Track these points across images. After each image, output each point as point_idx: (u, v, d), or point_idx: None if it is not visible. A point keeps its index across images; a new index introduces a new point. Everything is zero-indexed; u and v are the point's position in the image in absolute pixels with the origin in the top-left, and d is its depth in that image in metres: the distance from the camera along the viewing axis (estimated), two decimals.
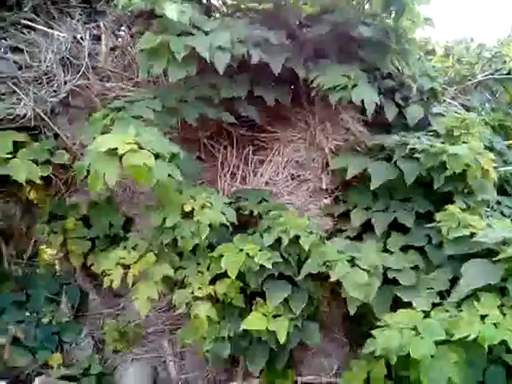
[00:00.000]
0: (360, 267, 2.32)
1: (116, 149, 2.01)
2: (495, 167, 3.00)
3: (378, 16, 3.08)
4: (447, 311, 2.14)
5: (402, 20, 2.95)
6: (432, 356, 1.97)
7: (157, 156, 2.12)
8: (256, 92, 2.97)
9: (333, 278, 2.27)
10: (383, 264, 2.43)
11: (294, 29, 3.17)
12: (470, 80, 4.65)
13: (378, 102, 2.86)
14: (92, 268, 2.82)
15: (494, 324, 1.97)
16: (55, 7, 3.16)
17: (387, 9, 2.91)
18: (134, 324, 2.88)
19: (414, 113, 3.38)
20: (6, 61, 2.87)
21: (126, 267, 2.37)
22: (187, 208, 2.34)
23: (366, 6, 3.09)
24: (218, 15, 3.37)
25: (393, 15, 2.96)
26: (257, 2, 3.32)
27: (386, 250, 2.65)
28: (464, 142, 2.93)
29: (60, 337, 2.90)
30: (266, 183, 3.19)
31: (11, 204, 2.94)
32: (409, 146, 2.77)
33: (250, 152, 3.27)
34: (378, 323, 2.22)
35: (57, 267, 3.03)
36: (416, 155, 2.72)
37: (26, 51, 2.92)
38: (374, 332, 2.16)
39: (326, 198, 3.16)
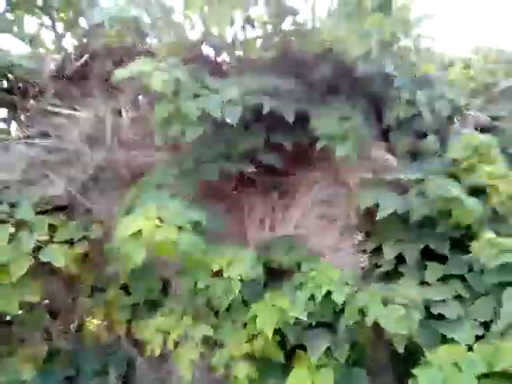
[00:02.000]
0: (396, 303, 2.25)
1: (140, 231, 2.12)
2: None
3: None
4: (491, 343, 2.02)
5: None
6: None
7: (180, 227, 2.20)
8: (272, 139, 3.02)
9: (369, 321, 2.21)
10: (423, 296, 2.34)
11: (302, 71, 3.25)
12: (493, 89, 4.50)
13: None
14: (136, 335, 2.88)
15: None
16: (77, 89, 3.38)
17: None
18: None
19: (433, 142, 3.31)
20: (35, 146, 3.08)
21: (166, 333, 2.40)
22: (215, 267, 2.37)
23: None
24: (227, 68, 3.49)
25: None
26: (264, 51, 3.46)
27: (424, 283, 2.56)
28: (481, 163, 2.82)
29: None
30: (296, 227, 3.18)
31: (55, 282, 3.08)
32: (421, 184, 2.75)
33: (276, 197, 3.29)
34: (420, 361, 2.13)
35: (103, 337, 3.10)
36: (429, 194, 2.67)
37: (54, 135, 3.14)
38: (415, 371, 2.08)
39: (356, 234, 3.11)
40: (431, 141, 3.20)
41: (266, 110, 2.73)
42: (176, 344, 2.46)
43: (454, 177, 2.86)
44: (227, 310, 2.48)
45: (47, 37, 3.67)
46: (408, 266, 2.69)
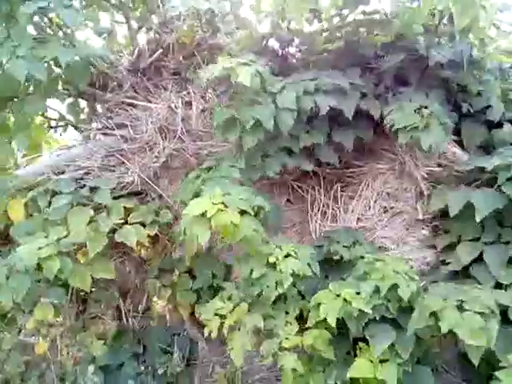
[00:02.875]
0: (472, 311, 2.10)
1: (206, 211, 2.20)
2: None
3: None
4: None
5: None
6: None
7: (243, 212, 2.26)
8: (334, 137, 2.97)
9: (444, 330, 2.07)
10: (499, 302, 2.21)
11: (370, 61, 3.19)
12: None
13: (446, 146, 2.75)
14: (199, 318, 3.00)
15: None
16: (151, 83, 3.57)
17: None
18: (240, 371, 2.96)
19: (508, 133, 3.12)
20: (114, 136, 3.30)
21: (223, 317, 2.48)
22: (272, 259, 2.40)
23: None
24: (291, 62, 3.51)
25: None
26: (330, 42, 3.44)
27: (498, 284, 2.43)
28: None
29: None
30: (358, 219, 3.15)
31: (125, 263, 3.29)
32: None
33: (339, 189, 3.27)
34: (501, 364, 2.03)
35: (168, 318, 3.27)
36: None
37: (130, 125, 3.34)
38: (498, 374, 1.98)
39: (423, 228, 3.02)
40: (507, 130, 3.01)
41: (323, 112, 2.71)
42: (232, 329, 2.51)
43: None
44: (284, 301, 2.52)
45: (121, 32, 3.88)
46: (481, 265, 2.54)
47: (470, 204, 2.60)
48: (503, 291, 2.35)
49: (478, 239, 2.66)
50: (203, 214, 2.22)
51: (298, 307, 2.52)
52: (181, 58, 3.53)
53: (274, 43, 3.40)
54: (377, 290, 2.33)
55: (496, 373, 2.00)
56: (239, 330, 2.51)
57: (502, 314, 2.20)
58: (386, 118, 2.80)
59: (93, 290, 3.13)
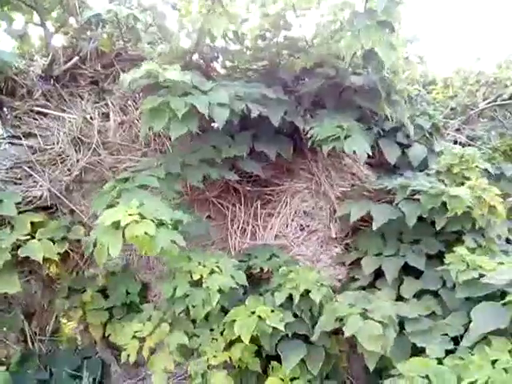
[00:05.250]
0: (374, 319, 2.28)
1: (119, 221, 2.12)
2: (504, 198, 3.01)
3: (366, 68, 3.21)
4: (461, 357, 2.09)
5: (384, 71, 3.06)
6: None
7: (160, 224, 2.21)
8: (257, 148, 3.08)
9: (347, 334, 2.24)
10: (398, 314, 2.40)
11: (290, 84, 3.33)
12: (472, 109, 4.68)
13: (369, 152, 2.88)
14: (111, 339, 2.87)
15: (505, 369, 1.91)
16: (65, 91, 3.39)
17: (368, 64, 3.02)
18: None
19: (417, 152, 3.46)
20: (21, 146, 3.08)
21: (142, 340, 2.41)
22: (196, 276, 2.39)
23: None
24: (216, 76, 3.54)
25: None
26: (253, 61, 3.53)
27: (400, 297, 2.64)
28: (465, 178, 2.95)
29: None
30: (276, 236, 3.24)
31: (31, 282, 3.06)
32: (410, 188, 2.80)
33: (259, 206, 3.34)
34: (391, 372, 2.17)
35: (78, 341, 3.09)
36: (417, 196, 2.76)
37: (40, 135, 3.14)
38: (385, 382, 2.12)
39: (336, 246, 3.18)
40: (416, 150, 3.27)
41: (254, 114, 2.77)
42: (152, 351, 2.45)
43: None
44: (206, 318, 2.49)
45: (35, 34, 3.64)
46: (385, 280, 2.75)
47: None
48: (403, 303, 2.55)
49: (380, 254, 2.88)
50: (116, 224, 2.14)
51: (223, 323, 2.50)
52: (99, 67, 3.38)
53: (197, 58, 3.41)
54: (289, 298, 2.42)
55: (384, 382, 2.14)
56: (160, 351, 2.44)
57: (400, 324, 2.39)
58: (308, 133, 2.93)
59: None
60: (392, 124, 3.41)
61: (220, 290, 2.37)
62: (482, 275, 2.32)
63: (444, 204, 2.66)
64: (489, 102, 4.75)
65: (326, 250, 3.17)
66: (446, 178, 3.10)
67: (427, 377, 2.01)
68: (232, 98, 2.71)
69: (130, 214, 2.16)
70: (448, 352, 2.21)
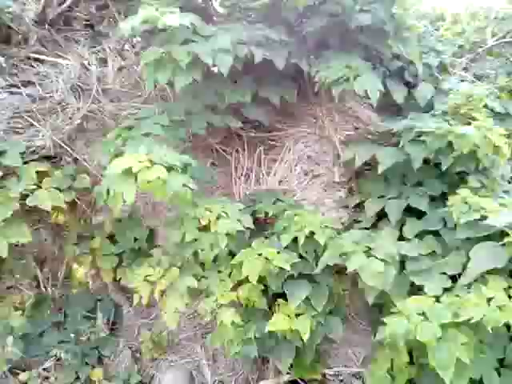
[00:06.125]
0: (376, 257, 2.35)
1: (130, 168, 2.13)
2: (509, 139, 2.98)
3: (374, 3, 3.06)
4: (457, 295, 2.17)
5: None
6: (441, 339, 2.02)
7: (170, 169, 2.22)
8: (261, 93, 3.01)
9: (350, 269, 2.32)
10: (399, 252, 2.47)
11: (293, 23, 3.20)
12: (480, 47, 4.52)
13: (383, 90, 2.84)
14: (122, 282, 2.98)
15: (499, 307, 2.00)
16: (61, 36, 3.28)
17: None
18: (167, 332, 3.03)
19: (424, 92, 3.34)
20: (20, 95, 3.03)
21: (153, 283, 2.49)
22: (204, 221, 2.43)
23: None
24: (216, 19, 3.41)
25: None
26: (253, 1, 3.38)
27: (403, 238, 2.69)
28: (472, 118, 2.90)
29: (99, 351, 3.09)
30: (280, 182, 3.25)
31: (42, 230, 3.13)
32: (415, 130, 2.77)
33: (262, 152, 3.32)
34: (391, 310, 2.27)
35: (90, 285, 3.21)
36: (423, 138, 2.73)
37: (38, 83, 3.07)
38: (386, 319, 2.21)
39: (339, 190, 3.20)
40: (423, 90, 3.21)
41: (258, 59, 2.69)
42: (162, 293, 2.54)
43: None
44: (214, 261, 2.57)
45: None
46: (388, 222, 2.78)
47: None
48: (405, 243, 2.60)
49: (383, 197, 2.90)
50: (128, 172, 2.14)
51: (231, 265, 2.57)
52: (94, 9, 3.26)
53: None
54: (295, 240, 2.49)
55: (384, 318, 2.23)
56: (171, 294, 2.53)
57: (402, 263, 2.47)
58: (316, 75, 2.85)
59: (6, 258, 2.95)
60: (399, 63, 3.30)
61: (227, 234, 2.42)
62: (483, 217, 2.34)
63: (450, 144, 2.63)
64: (497, 39, 4.57)
65: (330, 194, 3.19)
66: (453, 119, 3.05)
67: (424, 314, 2.10)
68: (234, 43, 2.62)
69: (140, 161, 2.18)
70: (446, 290, 2.28)
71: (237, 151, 3.33)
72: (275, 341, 2.47)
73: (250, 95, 2.96)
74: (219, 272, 2.55)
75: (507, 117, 3.63)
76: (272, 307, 2.52)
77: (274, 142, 3.37)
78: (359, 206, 3.02)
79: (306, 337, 2.32)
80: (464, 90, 3.08)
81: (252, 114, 3.06)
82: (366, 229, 2.88)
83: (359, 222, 2.95)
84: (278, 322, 2.35)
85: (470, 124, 2.87)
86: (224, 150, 3.33)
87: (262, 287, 2.48)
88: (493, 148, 2.72)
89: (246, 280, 2.41)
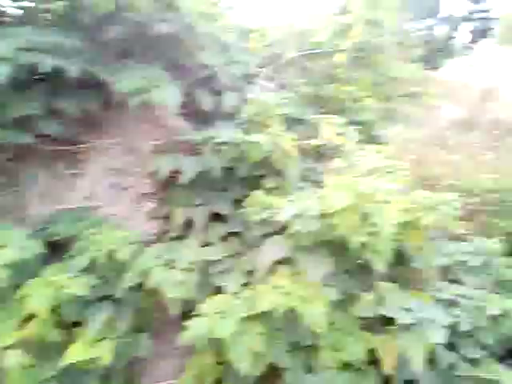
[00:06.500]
0: (177, 268, 2.38)
1: None
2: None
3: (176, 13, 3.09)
4: (251, 288, 2.32)
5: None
6: (236, 333, 2.12)
7: None
8: (55, 105, 2.80)
9: (149, 285, 2.29)
10: (203, 257, 2.52)
11: (93, 29, 3.04)
12: (283, 59, 4.96)
13: (180, 101, 2.87)
14: None
15: (285, 293, 2.19)
16: None
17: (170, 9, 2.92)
18: None
19: (227, 101, 3.51)
20: None
21: None
22: None
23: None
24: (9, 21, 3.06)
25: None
26: (47, 3, 3.12)
27: (208, 244, 2.76)
28: (266, 126, 3.15)
29: None
30: (85, 197, 3.04)
31: None
32: (214, 140, 2.88)
33: (62, 167, 3.07)
34: (193, 313, 2.30)
35: None
36: (222, 147, 2.85)
37: None
38: (186, 323, 2.23)
39: (150, 201, 3.13)
40: (229, 98, 3.34)
41: (46, 68, 2.49)
42: None
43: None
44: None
45: None
46: (195, 229, 2.84)
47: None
48: (208, 247, 2.71)
49: (190, 206, 2.96)
50: None
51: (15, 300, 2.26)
52: None
53: None
54: (94, 261, 2.36)
55: (185, 323, 2.26)
56: None
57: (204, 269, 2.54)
58: (115, 85, 2.77)
59: None
60: (207, 72, 3.40)
61: (7, 265, 2.14)
62: (275, 214, 2.55)
63: (244, 152, 2.80)
64: (299, 51, 5.08)
65: (140, 206, 3.10)
66: (252, 127, 3.26)
67: (222, 312, 2.18)
68: (17, 50, 2.38)
69: None
70: (245, 285, 2.42)
71: (32, 167, 3.01)
72: (75, 374, 2.27)
73: (44, 107, 2.73)
74: (3, 310, 2.24)
75: (303, 122, 4.06)
76: (71, 338, 2.32)
77: (77, 156, 3.14)
78: (169, 216, 3.00)
79: (107, 362, 2.19)
80: (259, 99, 3.32)
81: (48, 128, 2.83)
82: (178, 238, 2.89)
83: (168, 232, 2.93)
84: (74, 352, 2.17)
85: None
86: (16, 167, 2.97)
87: (58, 318, 2.26)
88: (283, 152, 2.99)
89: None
